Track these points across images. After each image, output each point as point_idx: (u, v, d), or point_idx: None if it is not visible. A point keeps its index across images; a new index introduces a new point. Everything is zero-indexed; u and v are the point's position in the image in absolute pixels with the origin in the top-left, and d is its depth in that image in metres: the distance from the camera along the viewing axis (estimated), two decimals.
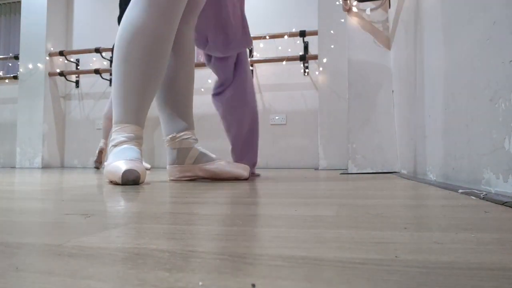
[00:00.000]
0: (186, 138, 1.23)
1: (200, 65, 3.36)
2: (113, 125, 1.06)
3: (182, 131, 1.23)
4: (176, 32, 1.22)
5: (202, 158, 1.21)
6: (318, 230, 0.33)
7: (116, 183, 0.96)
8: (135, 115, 1.05)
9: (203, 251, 0.26)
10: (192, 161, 1.21)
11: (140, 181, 0.95)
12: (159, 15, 1.04)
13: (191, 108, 1.28)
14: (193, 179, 1.23)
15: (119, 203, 0.56)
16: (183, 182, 1.14)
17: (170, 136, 1.23)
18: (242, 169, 1.18)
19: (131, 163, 0.95)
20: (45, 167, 3.58)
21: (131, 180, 0.93)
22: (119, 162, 0.96)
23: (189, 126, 1.25)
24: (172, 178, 1.24)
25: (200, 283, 0.19)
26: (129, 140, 1.03)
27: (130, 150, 1.01)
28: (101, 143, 2.83)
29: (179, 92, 1.24)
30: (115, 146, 1.03)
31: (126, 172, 0.92)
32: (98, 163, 2.83)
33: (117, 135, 1.04)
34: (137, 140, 1.05)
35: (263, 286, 0.19)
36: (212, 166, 1.20)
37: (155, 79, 1.07)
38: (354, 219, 0.39)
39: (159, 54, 1.05)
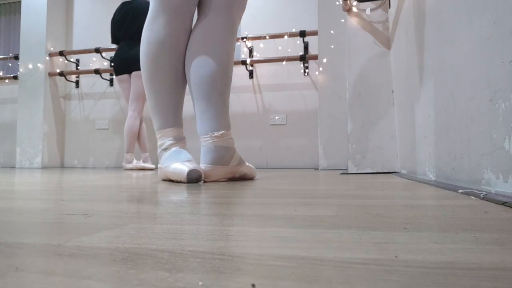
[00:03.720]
0: (231, 138, 1.18)
1: None
2: (156, 132, 1.19)
3: (229, 130, 1.18)
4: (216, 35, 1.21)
5: (241, 159, 1.21)
6: (318, 230, 0.33)
7: (180, 182, 1.07)
8: (173, 119, 1.18)
9: (203, 251, 0.26)
10: (236, 162, 1.18)
11: (202, 179, 1.06)
12: (177, 27, 1.16)
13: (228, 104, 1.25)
14: (224, 180, 1.18)
15: (119, 203, 0.56)
16: (184, 182, 1.14)
17: (221, 132, 1.14)
18: (254, 170, 1.29)
19: (191, 164, 1.06)
20: (45, 167, 3.58)
21: (195, 179, 1.03)
22: (179, 164, 1.07)
23: (230, 126, 1.21)
24: (212, 179, 1.14)
25: (200, 283, 0.19)
26: (176, 142, 1.16)
27: (182, 153, 1.12)
28: (133, 161, 2.76)
29: (221, 89, 1.19)
30: (165, 149, 1.16)
31: (190, 172, 1.03)
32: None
33: (163, 140, 1.17)
34: (181, 141, 1.18)
35: (263, 286, 0.19)
36: (245, 169, 1.22)
37: (182, 83, 1.21)
38: (354, 219, 0.39)
39: (180, 61, 1.19)
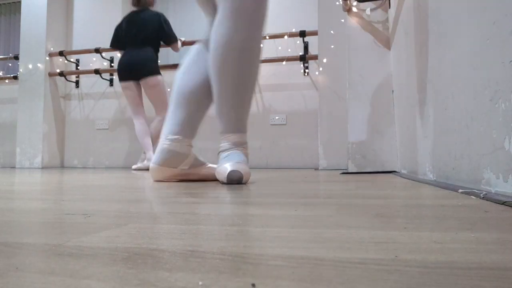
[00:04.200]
0: (189, 145, 1.21)
1: None
2: (220, 134, 1.16)
3: (189, 138, 1.21)
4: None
5: (196, 162, 1.22)
6: (318, 230, 0.33)
7: (223, 182, 1.07)
8: (236, 124, 1.15)
9: (203, 251, 0.26)
10: (187, 166, 1.20)
11: (244, 180, 1.04)
12: (246, 29, 1.09)
13: (202, 118, 1.25)
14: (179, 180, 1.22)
15: (119, 203, 0.56)
16: (184, 182, 1.14)
17: (175, 137, 1.19)
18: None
19: (236, 165, 1.05)
20: (45, 167, 3.58)
21: (235, 180, 1.03)
22: (226, 164, 1.06)
23: (193, 135, 1.24)
24: (158, 179, 1.19)
25: (200, 283, 0.19)
26: (234, 147, 1.14)
27: (236, 155, 1.11)
28: (145, 160, 2.75)
29: (197, 102, 1.22)
30: (222, 151, 1.15)
31: (231, 173, 1.02)
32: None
33: (224, 143, 1.15)
34: (241, 145, 1.15)
35: (263, 286, 0.19)
36: (204, 170, 1.23)
37: (251, 87, 1.16)
38: (354, 219, 0.39)
39: (250, 66, 1.13)
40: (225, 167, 1.05)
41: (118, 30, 2.89)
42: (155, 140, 2.80)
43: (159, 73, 2.79)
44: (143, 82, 2.75)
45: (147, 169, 2.74)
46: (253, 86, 1.16)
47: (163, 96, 2.81)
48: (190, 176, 1.22)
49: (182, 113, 1.21)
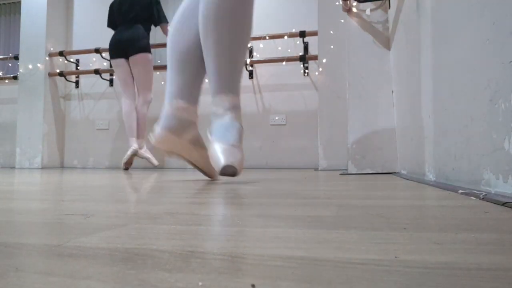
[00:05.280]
0: (193, 112, 1.17)
1: None
2: (212, 97, 1.10)
3: (192, 104, 1.17)
4: None
5: (199, 141, 1.18)
6: (318, 230, 0.33)
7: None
8: (230, 83, 1.09)
9: (203, 251, 0.26)
10: (190, 137, 1.15)
11: (237, 174, 1.01)
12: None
13: (202, 81, 1.21)
14: (175, 155, 1.17)
15: (119, 204, 0.56)
16: (184, 182, 1.14)
17: (182, 102, 1.15)
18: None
19: (231, 156, 1.00)
20: (45, 167, 3.58)
21: (229, 174, 1.00)
22: (219, 151, 1.01)
23: (195, 100, 1.18)
24: (162, 147, 1.14)
25: (200, 284, 0.19)
26: (228, 112, 1.07)
27: (232, 129, 1.05)
28: (134, 144, 2.71)
29: (211, 58, 1.13)
30: (216, 116, 1.08)
31: (225, 167, 0.98)
32: (127, 165, 2.74)
33: (216, 107, 1.09)
34: (236, 110, 1.09)
35: (263, 287, 0.19)
36: (204, 156, 1.18)
37: (244, 49, 1.11)
38: (354, 219, 0.39)
39: (243, 23, 1.08)
40: (218, 156, 1.01)
41: (111, 9, 2.89)
42: (142, 125, 2.76)
43: (149, 51, 2.78)
44: (131, 59, 2.74)
45: (134, 156, 2.72)
46: (246, 45, 1.12)
47: (149, 75, 2.78)
48: (192, 155, 1.16)
49: (182, 77, 1.16)
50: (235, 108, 1.09)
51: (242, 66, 1.12)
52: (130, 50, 2.73)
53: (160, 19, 2.85)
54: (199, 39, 1.17)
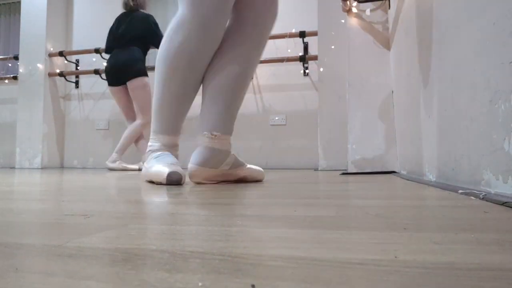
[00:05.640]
0: (229, 142, 1.15)
1: None
2: (151, 133, 1.16)
3: (227, 133, 1.14)
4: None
5: (236, 163, 1.15)
6: (318, 230, 0.33)
7: (160, 183, 1.05)
8: (174, 127, 1.16)
9: (202, 252, 0.26)
10: (228, 167, 1.12)
11: (182, 182, 1.05)
12: (205, 37, 1.10)
13: (236, 114, 1.21)
14: (217, 183, 1.14)
15: (118, 204, 0.56)
16: (184, 183, 1.14)
17: (215, 133, 1.11)
18: (261, 174, 1.23)
19: (173, 166, 1.05)
20: (45, 167, 3.58)
21: (175, 181, 1.02)
22: (161, 166, 1.06)
23: (231, 131, 1.17)
24: (196, 180, 1.10)
25: (200, 284, 0.19)
26: (167, 148, 1.14)
27: (168, 156, 1.12)
28: (117, 162, 2.76)
29: (235, 92, 1.16)
30: (152, 151, 1.14)
31: (171, 174, 1.01)
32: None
33: (155, 142, 1.15)
34: (173, 148, 1.16)
35: (262, 287, 0.19)
36: (243, 172, 1.17)
37: (195, 93, 1.17)
38: (353, 219, 0.39)
39: (202, 73, 1.15)
40: (161, 169, 1.05)
41: (110, 33, 2.87)
42: (129, 143, 2.77)
43: (146, 75, 2.75)
44: (129, 84, 2.72)
45: (124, 170, 2.74)
46: (194, 90, 1.17)
47: (147, 98, 2.76)
48: (230, 177, 1.14)
49: (218, 106, 1.14)
50: (173, 146, 1.18)
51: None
52: (126, 75, 2.71)
53: (158, 40, 2.81)
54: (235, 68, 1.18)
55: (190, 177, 1.09)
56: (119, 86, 2.76)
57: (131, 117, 2.82)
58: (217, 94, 1.14)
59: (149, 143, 1.17)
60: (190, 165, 1.09)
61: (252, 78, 1.18)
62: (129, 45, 2.75)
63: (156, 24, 2.82)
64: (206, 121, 1.13)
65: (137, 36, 2.76)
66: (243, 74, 1.16)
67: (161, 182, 1.05)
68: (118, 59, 2.73)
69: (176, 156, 1.16)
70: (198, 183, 1.10)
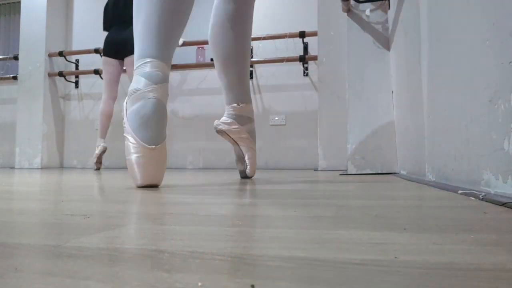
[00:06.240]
0: (251, 109, 1.33)
1: (193, 66, 3.38)
2: (135, 62, 0.92)
3: (249, 102, 1.33)
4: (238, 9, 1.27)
5: (252, 134, 1.33)
6: (318, 231, 0.33)
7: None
8: (161, 46, 0.91)
9: (202, 252, 0.26)
10: (248, 130, 1.31)
11: (159, 183, 0.89)
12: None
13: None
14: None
15: (118, 204, 0.56)
16: (182, 182, 1.14)
17: (243, 104, 1.30)
18: (254, 170, 1.33)
19: (146, 171, 0.85)
20: (44, 167, 3.58)
21: (148, 186, 0.87)
22: (135, 162, 0.85)
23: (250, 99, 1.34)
24: (223, 128, 1.27)
25: (199, 284, 0.19)
26: (151, 84, 0.87)
27: (153, 117, 0.86)
28: (102, 144, 2.80)
29: (242, 64, 1.30)
30: (132, 94, 0.87)
31: (142, 184, 0.86)
32: (99, 164, 2.82)
33: (137, 76, 0.89)
34: (162, 83, 0.89)
35: (262, 287, 0.19)
36: (250, 149, 1.32)
37: (184, 11, 0.96)
38: (353, 220, 0.39)
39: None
40: (134, 168, 0.86)
41: (106, 11, 2.89)
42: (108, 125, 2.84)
43: None
44: (127, 60, 2.75)
45: (100, 153, 2.78)
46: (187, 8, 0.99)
47: None
48: (245, 143, 1.32)
49: (240, 81, 1.31)
50: (161, 81, 0.90)
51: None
52: (125, 51, 2.74)
53: None
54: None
55: (217, 131, 1.28)
56: (114, 59, 2.79)
57: (111, 91, 2.84)
58: (235, 69, 1.29)
59: (133, 80, 0.90)
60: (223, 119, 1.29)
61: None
62: (129, 24, 2.78)
63: None
64: (231, 94, 1.30)
65: None
66: (246, 46, 1.30)
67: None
68: (119, 35, 2.76)
69: (164, 99, 0.89)
70: (221, 130, 1.28)
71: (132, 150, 0.86)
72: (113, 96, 2.83)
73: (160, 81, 0.88)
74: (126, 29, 2.77)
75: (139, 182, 0.86)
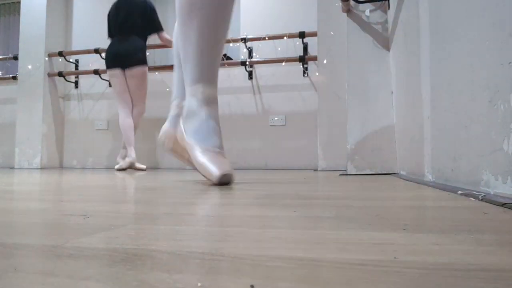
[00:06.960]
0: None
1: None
2: (187, 87, 1.05)
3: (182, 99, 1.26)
4: None
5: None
6: (317, 231, 0.33)
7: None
8: (211, 72, 1.04)
9: (201, 252, 0.26)
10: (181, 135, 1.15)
11: (233, 181, 0.99)
12: None
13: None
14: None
15: (118, 204, 0.55)
16: (182, 183, 1.14)
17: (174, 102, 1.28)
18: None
19: (223, 165, 0.95)
20: (44, 167, 3.58)
21: (225, 183, 0.95)
22: (208, 160, 0.95)
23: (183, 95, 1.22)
24: (164, 141, 1.23)
25: (199, 284, 0.19)
26: (204, 105, 1.02)
27: (212, 131, 1.00)
28: (133, 154, 2.70)
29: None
30: (190, 111, 1.03)
31: (222, 178, 0.93)
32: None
33: (192, 98, 1.03)
34: (213, 103, 1.03)
35: (262, 287, 0.19)
36: (188, 153, 1.19)
37: (223, 34, 1.05)
38: (353, 220, 0.39)
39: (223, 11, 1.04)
40: (209, 166, 0.94)
41: (108, 19, 2.89)
42: (132, 133, 2.79)
43: (146, 63, 2.78)
44: (128, 71, 2.74)
45: (130, 167, 2.74)
46: (225, 31, 1.06)
47: (144, 87, 2.81)
48: (182, 150, 1.25)
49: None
50: (212, 102, 1.03)
51: (221, 52, 1.08)
52: (127, 62, 2.74)
53: (157, 28, 2.84)
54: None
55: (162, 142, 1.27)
56: (118, 69, 2.77)
57: (125, 101, 2.81)
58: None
59: (188, 97, 1.05)
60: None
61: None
62: (130, 33, 2.77)
63: (153, 10, 2.84)
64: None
65: (137, 24, 2.78)
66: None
67: (209, 179, 0.96)
68: (120, 47, 2.75)
69: (217, 120, 1.03)
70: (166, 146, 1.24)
71: (201, 155, 0.98)
72: (127, 106, 2.80)
73: (212, 102, 1.04)
74: (127, 40, 2.76)
75: (218, 172, 0.93)
